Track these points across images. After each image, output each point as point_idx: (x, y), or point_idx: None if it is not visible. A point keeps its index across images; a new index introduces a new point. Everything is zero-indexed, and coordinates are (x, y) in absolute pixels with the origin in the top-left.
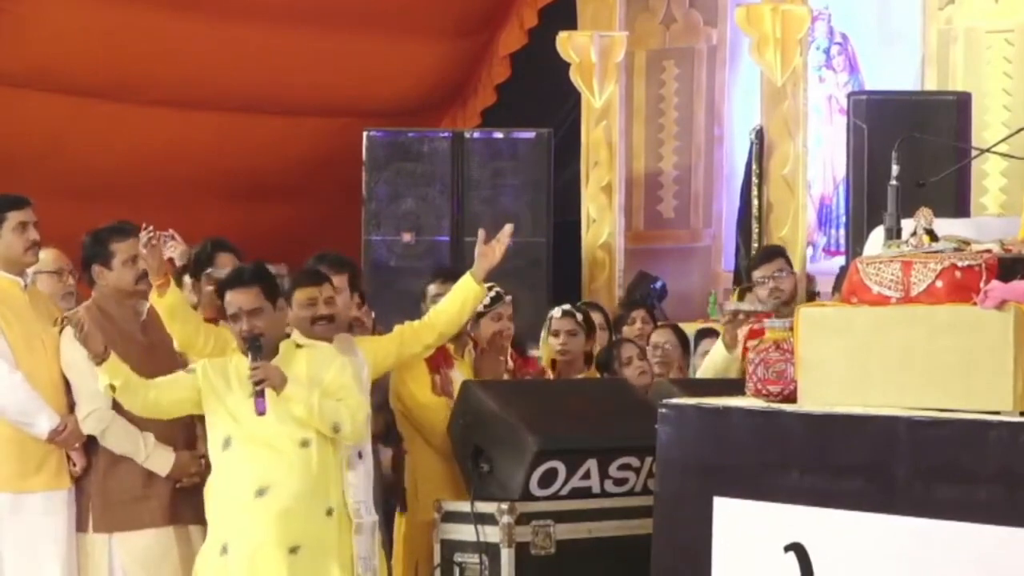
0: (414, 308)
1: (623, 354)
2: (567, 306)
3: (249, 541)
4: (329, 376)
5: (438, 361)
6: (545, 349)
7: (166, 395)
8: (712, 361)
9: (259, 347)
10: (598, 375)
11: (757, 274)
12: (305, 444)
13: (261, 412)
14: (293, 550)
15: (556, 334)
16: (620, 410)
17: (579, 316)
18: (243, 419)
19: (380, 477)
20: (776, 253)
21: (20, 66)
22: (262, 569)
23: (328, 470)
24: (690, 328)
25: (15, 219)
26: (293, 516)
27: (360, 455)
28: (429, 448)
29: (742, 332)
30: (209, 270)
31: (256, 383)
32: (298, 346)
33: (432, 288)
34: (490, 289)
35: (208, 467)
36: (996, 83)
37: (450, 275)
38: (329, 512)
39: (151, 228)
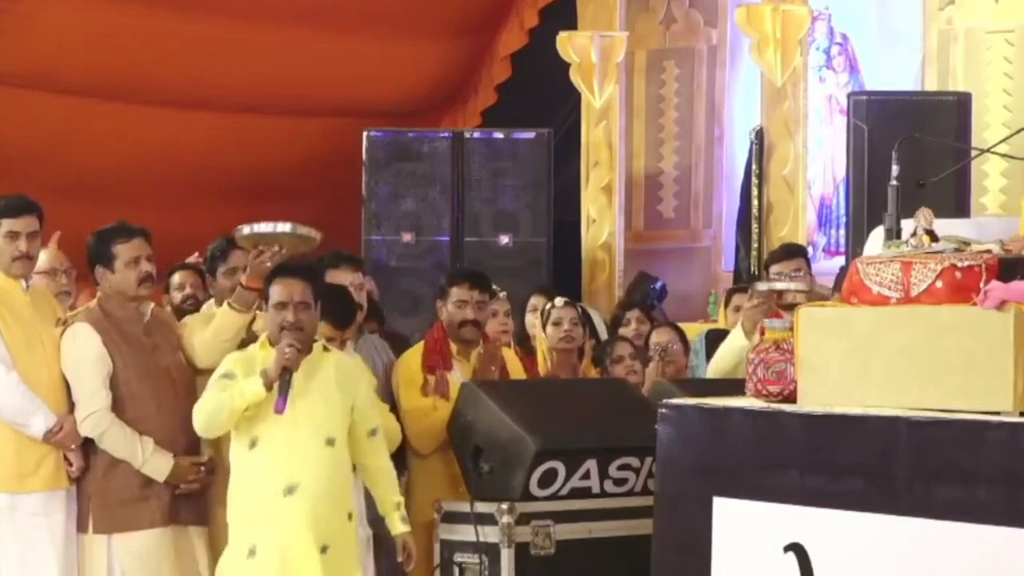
0: (414, 308)
1: (615, 351)
2: (566, 299)
3: (279, 541)
4: (361, 396)
5: (435, 362)
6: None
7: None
8: (729, 348)
9: (288, 382)
10: (592, 372)
11: (774, 269)
12: (330, 443)
13: (280, 411)
14: (323, 549)
15: (559, 323)
16: (620, 410)
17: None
18: (270, 418)
19: None
20: (797, 252)
21: (20, 66)
22: (295, 569)
23: (348, 472)
24: (690, 329)
25: (6, 227)
26: (321, 516)
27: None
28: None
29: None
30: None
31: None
32: (326, 350)
33: (456, 291)
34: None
35: (210, 472)
36: (996, 83)
37: (478, 278)
38: (349, 516)
39: None
